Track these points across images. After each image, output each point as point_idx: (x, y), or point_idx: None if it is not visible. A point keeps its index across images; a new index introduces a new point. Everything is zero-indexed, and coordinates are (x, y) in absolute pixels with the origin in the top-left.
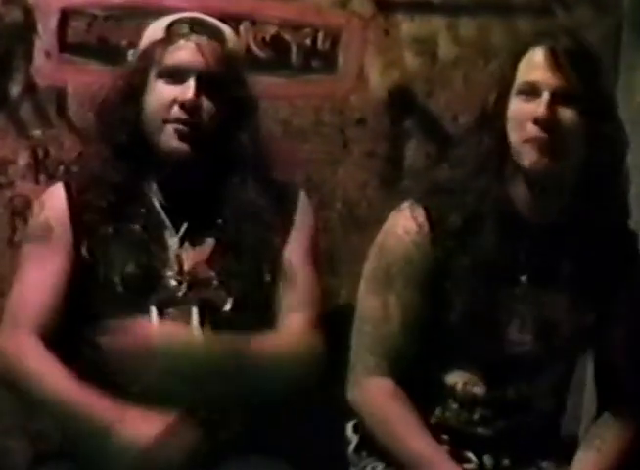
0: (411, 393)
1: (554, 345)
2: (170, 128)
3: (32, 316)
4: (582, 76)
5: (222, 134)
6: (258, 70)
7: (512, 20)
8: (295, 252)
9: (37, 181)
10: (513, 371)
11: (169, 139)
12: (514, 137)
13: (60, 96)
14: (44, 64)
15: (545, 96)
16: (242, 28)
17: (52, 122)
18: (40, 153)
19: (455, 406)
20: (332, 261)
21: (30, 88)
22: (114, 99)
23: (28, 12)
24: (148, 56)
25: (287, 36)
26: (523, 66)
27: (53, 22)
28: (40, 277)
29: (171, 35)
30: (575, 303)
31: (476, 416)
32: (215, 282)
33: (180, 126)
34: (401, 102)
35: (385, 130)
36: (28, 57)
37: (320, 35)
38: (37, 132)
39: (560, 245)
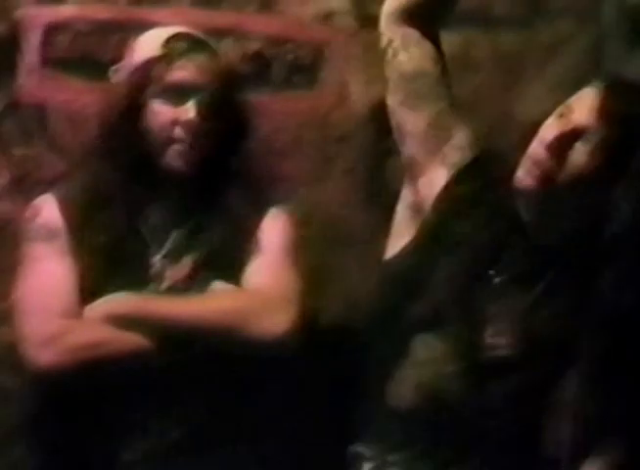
0: None
1: (529, 351)
2: (172, 149)
3: (62, 303)
4: None
5: (220, 151)
6: (240, 86)
7: (494, 33)
8: (258, 249)
9: (17, 201)
10: (487, 374)
11: (171, 159)
12: None
13: (42, 113)
14: (28, 80)
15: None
16: (223, 44)
17: (34, 140)
18: (20, 172)
19: None
20: (314, 280)
21: (13, 105)
22: (116, 119)
23: (13, 27)
24: (144, 73)
25: (269, 52)
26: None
27: (37, 37)
28: (57, 271)
29: (169, 53)
30: (555, 309)
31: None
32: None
33: (182, 147)
34: (384, 118)
35: (367, 147)
36: (12, 73)
37: (303, 51)
38: (19, 150)
39: (541, 248)
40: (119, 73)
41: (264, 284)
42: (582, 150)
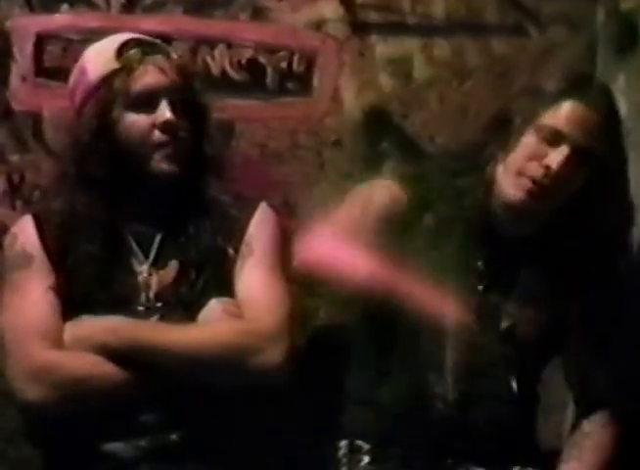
0: None
1: (511, 352)
2: (157, 154)
3: (46, 331)
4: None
5: (196, 148)
6: (234, 93)
7: (486, 40)
8: (247, 257)
9: (14, 207)
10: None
11: (159, 164)
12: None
13: (36, 121)
14: (20, 88)
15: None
16: (217, 51)
17: (28, 147)
18: (16, 178)
19: None
20: (310, 282)
21: (6, 113)
22: (89, 139)
23: (5, 36)
24: (108, 87)
25: (262, 59)
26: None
27: (29, 46)
28: (37, 297)
29: (127, 64)
30: (536, 311)
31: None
32: (181, 304)
33: (166, 150)
34: (377, 123)
35: (361, 152)
36: (4, 81)
37: (295, 58)
38: (14, 157)
39: (523, 254)
40: (76, 93)
41: (258, 308)
42: (559, 158)
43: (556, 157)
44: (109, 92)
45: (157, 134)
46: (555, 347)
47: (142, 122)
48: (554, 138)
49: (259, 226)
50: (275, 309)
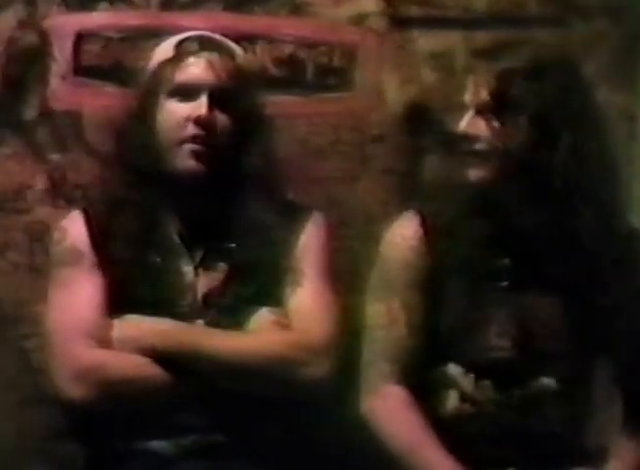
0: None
1: (539, 350)
2: (186, 148)
3: (90, 330)
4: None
5: (236, 152)
6: (275, 90)
7: (528, 32)
8: (298, 268)
9: (56, 206)
10: (499, 376)
11: (185, 159)
12: None
13: (76, 119)
14: (59, 87)
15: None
16: (257, 47)
17: (69, 146)
18: (58, 177)
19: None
20: (352, 279)
21: (46, 112)
22: (129, 121)
23: (43, 36)
24: (157, 75)
25: (303, 54)
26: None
27: (68, 45)
28: (85, 294)
29: (180, 53)
30: (565, 307)
31: (488, 406)
32: (228, 309)
33: (196, 146)
34: (419, 117)
35: (403, 146)
36: (44, 81)
37: (336, 53)
38: (54, 156)
39: (544, 248)
40: (139, 80)
41: (308, 320)
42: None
43: None
44: (154, 78)
45: (190, 127)
46: (599, 342)
47: (179, 112)
48: None
49: (311, 237)
50: (324, 323)
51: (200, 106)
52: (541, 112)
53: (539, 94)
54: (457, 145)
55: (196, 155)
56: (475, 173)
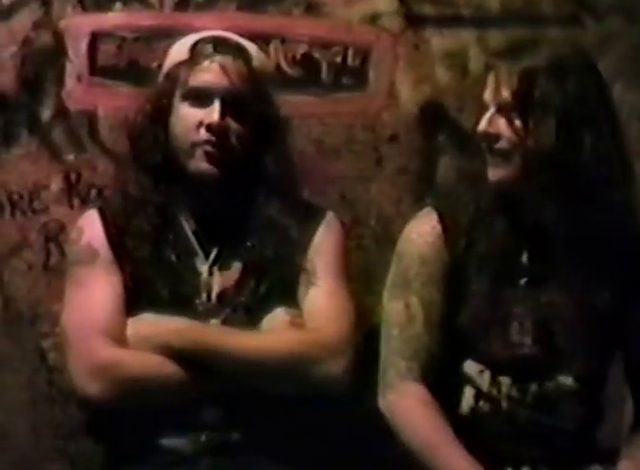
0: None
1: (558, 347)
2: (199, 151)
3: (106, 328)
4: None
5: (250, 154)
6: (289, 89)
7: (542, 31)
8: (313, 268)
9: (71, 206)
10: (518, 373)
11: (199, 162)
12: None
13: (91, 120)
14: (75, 87)
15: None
16: (271, 47)
17: (84, 146)
18: (73, 177)
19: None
20: (367, 279)
21: (62, 112)
22: (143, 122)
23: (59, 36)
24: (173, 77)
25: (317, 54)
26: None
27: (83, 45)
28: (101, 293)
29: (195, 56)
30: (584, 303)
31: (504, 403)
32: (243, 307)
33: (209, 149)
34: (433, 117)
35: (417, 146)
36: (59, 81)
37: (350, 52)
38: (70, 156)
39: (563, 244)
40: (155, 81)
41: (323, 318)
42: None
43: None
44: (169, 80)
45: (202, 132)
46: (614, 341)
47: (192, 117)
48: None
49: (325, 237)
50: (339, 321)
51: (212, 112)
52: (563, 109)
53: (561, 92)
54: (476, 144)
55: (209, 157)
56: (496, 172)
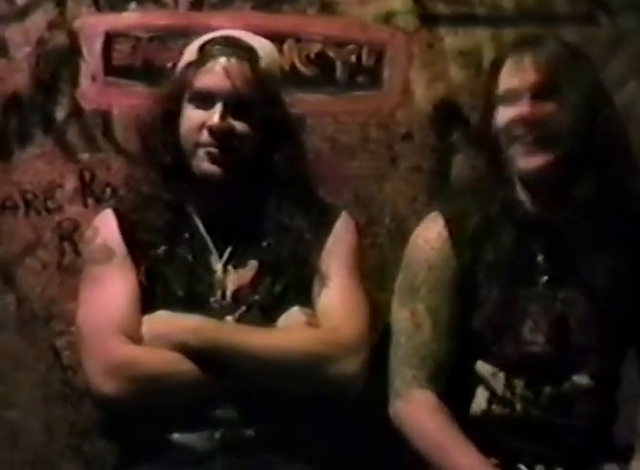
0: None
1: (573, 345)
2: (202, 152)
3: (122, 326)
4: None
5: (260, 155)
6: (304, 88)
7: (556, 29)
8: (327, 267)
9: (85, 205)
10: (531, 374)
11: (201, 162)
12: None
13: (106, 119)
14: (90, 87)
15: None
16: (286, 46)
17: (99, 145)
18: (87, 176)
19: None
20: (381, 277)
21: (76, 112)
22: (154, 122)
23: (73, 36)
24: (181, 79)
25: (331, 53)
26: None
27: (98, 45)
28: (117, 291)
29: (202, 57)
30: (600, 300)
31: (518, 406)
32: (258, 305)
33: (211, 149)
34: (447, 115)
35: (431, 145)
36: (74, 81)
37: (364, 51)
38: (84, 156)
39: (579, 242)
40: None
41: (338, 317)
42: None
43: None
44: (178, 81)
45: (204, 134)
46: (628, 338)
47: (195, 118)
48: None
49: (340, 237)
50: (354, 320)
51: (213, 115)
52: (585, 93)
53: (581, 76)
54: (494, 139)
55: (211, 158)
56: (532, 160)
